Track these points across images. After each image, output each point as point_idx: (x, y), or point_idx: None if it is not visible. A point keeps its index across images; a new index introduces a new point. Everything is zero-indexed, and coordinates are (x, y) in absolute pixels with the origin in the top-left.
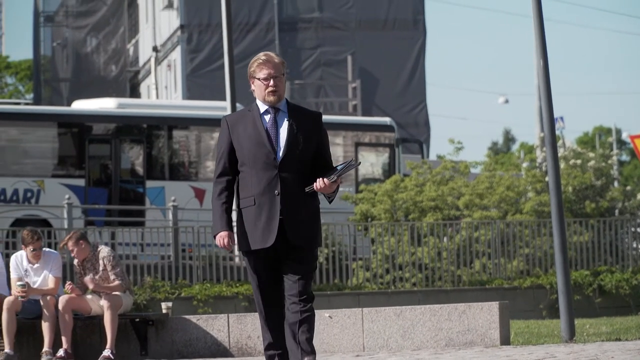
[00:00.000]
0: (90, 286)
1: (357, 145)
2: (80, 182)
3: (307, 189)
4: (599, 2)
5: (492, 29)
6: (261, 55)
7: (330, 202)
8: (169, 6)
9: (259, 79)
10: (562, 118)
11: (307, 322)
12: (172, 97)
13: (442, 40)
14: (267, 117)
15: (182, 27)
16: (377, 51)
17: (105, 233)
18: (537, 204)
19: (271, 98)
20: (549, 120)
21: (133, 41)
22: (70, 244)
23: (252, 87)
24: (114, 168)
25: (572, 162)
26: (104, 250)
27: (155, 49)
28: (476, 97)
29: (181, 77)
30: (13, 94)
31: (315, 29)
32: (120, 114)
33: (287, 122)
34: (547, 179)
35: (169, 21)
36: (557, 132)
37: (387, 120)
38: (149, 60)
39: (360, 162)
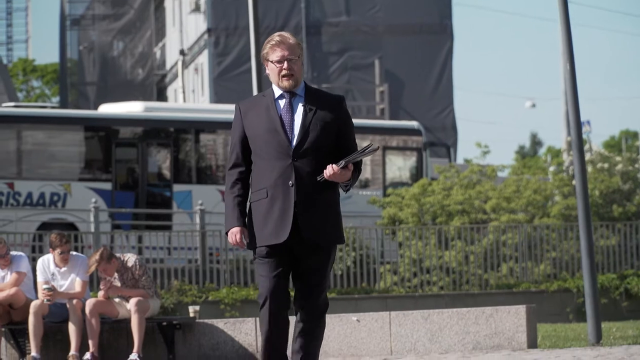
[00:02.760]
0: (103, 294)
1: (385, 149)
2: (107, 186)
3: (318, 178)
4: (626, 6)
5: (519, 33)
6: (275, 36)
7: (346, 192)
8: (196, 10)
9: (272, 61)
10: (588, 122)
11: (316, 337)
12: (199, 100)
13: (469, 44)
14: (282, 103)
15: (209, 30)
16: (405, 55)
17: (132, 237)
18: (564, 207)
19: (285, 83)
20: (576, 124)
21: (160, 45)
22: (102, 264)
23: (267, 70)
24: (140, 172)
25: (599, 165)
26: (131, 260)
27: (182, 52)
28: (503, 101)
29: (208, 81)
30: (39, 97)
31: (343, 33)
32: (147, 118)
33: (302, 107)
34: (574, 182)
35: (196, 25)
36: (584, 136)
37: (414, 124)
38: (175, 63)
39: (378, 147)
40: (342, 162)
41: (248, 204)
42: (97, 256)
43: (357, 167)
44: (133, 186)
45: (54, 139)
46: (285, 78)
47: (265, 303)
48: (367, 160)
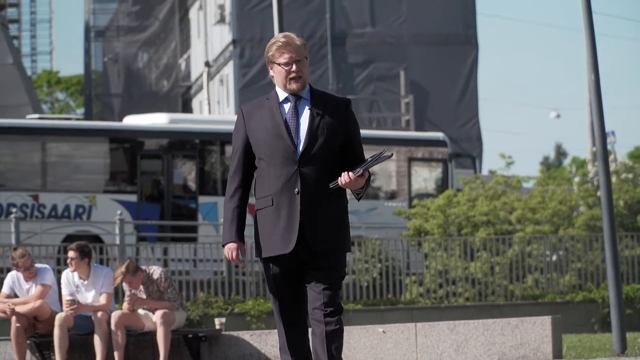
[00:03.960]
0: (128, 306)
1: (410, 160)
2: (132, 198)
3: (331, 185)
4: None
5: (544, 44)
6: (280, 37)
7: (358, 199)
8: (220, 21)
9: (279, 64)
10: (613, 132)
11: (334, 338)
12: (225, 112)
13: (494, 54)
14: (287, 106)
15: (234, 42)
16: (430, 66)
17: (158, 249)
18: (589, 218)
19: (294, 85)
20: (601, 135)
21: (185, 56)
22: (128, 277)
23: (271, 72)
24: (166, 183)
25: (623, 176)
26: (156, 272)
27: (207, 64)
28: (528, 111)
29: (233, 92)
30: (64, 109)
31: (368, 44)
32: (173, 130)
33: (308, 110)
34: (598, 193)
35: (221, 36)
36: (609, 147)
37: (439, 135)
38: (201, 75)
39: (392, 154)
40: (360, 170)
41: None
42: (122, 268)
43: (368, 173)
44: (158, 198)
45: (79, 150)
46: (293, 80)
47: (280, 321)
48: (392, 171)
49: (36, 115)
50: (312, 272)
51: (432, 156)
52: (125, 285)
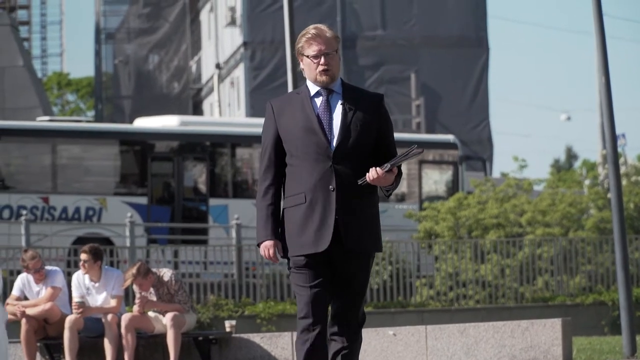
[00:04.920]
0: (139, 308)
1: (421, 162)
2: (143, 200)
3: (359, 182)
4: None
5: (555, 46)
6: (310, 29)
7: (388, 196)
8: (231, 23)
9: (308, 56)
10: (624, 135)
11: (354, 352)
12: (236, 114)
13: (505, 57)
14: (319, 101)
15: (245, 44)
16: (441, 68)
17: (168, 251)
18: (599, 220)
19: (323, 78)
20: (611, 138)
21: (195, 58)
22: (139, 279)
23: (301, 65)
24: (176, 186)
25: (633, 179)
26: (167, 275)
27: (218, 66)
28: (539, 114)
29: (244, 94)
30: (74, 111)
31: (379, 47)
32: (183, 132)
33: (340, 105)
34: (609, 195)
35: (232, 38)
36: (619, 149)
37: (450, 137)
38: (211, 77)
39: (422, 150)
40: (388, 166)
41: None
42: (133, 270)
43: (399, 171)
44: (169, 200)
45: (89, 153)
46: (323, 73)
47: (308, 316)
48: (403, 174)
49: (47, 118)
50: (343, 277)
51: (443, 159)
52: (135, 288)
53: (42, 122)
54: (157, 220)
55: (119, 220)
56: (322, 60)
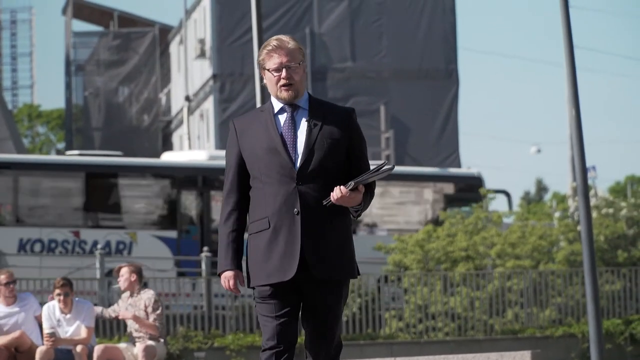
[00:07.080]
0: (128, 315)
1: (445, 196)
2: (172, 234)
3: (324, 202)
4: (632, 50)
5: (525, 78)
6: (272, 40)
7: (356, 217)
8: (201, 55)
9: (269, 69)
10: (594, 167)
11: None
12: (205, 147)
13: (475, 88)
14: (282, 118)
15: (214, 76)
16: (410, 101)
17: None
18: (570, 253)
19: (284, 94)
20: (581, 170)
21: (165, 90)
22: (125, 270)
23: (264, 80)
24: (206, 219)
25: (604, 211)
26: (148, 292)
27: (187, 98)
28: (508, 146)
29: (214, 127)
30: (44, 143)
31: (349, 79)
32: (211, 166)
33: (305, 122)
34: (579, 228)
35: (201, 70)
36: (589, 182)
37: (474, 172)
38: (181, 109)
39: (393, 166)
40: (352, 184)
41: (246, 235)
42: (132, 267)
43: (370, 189)
44: (198, 233)
45: (119, 187)
46: (284, 88)
47: (273, 347)
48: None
49: (76, 152)
50: (313, 306)
51: (469, 195)
52: (118, 279)
53: (72, 156)
54: (187, 253)
55: (149, 254)
56: (284, 73)
